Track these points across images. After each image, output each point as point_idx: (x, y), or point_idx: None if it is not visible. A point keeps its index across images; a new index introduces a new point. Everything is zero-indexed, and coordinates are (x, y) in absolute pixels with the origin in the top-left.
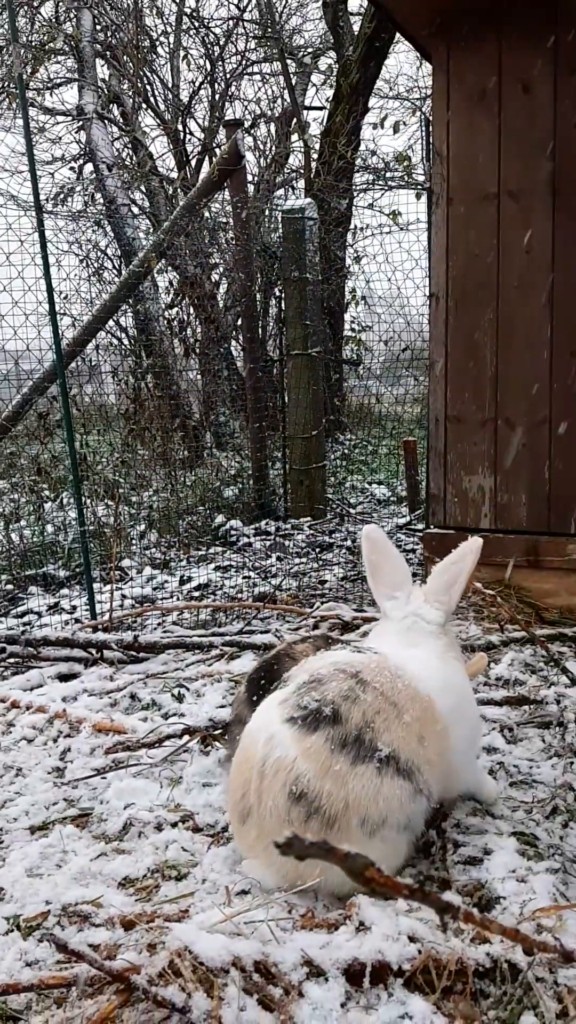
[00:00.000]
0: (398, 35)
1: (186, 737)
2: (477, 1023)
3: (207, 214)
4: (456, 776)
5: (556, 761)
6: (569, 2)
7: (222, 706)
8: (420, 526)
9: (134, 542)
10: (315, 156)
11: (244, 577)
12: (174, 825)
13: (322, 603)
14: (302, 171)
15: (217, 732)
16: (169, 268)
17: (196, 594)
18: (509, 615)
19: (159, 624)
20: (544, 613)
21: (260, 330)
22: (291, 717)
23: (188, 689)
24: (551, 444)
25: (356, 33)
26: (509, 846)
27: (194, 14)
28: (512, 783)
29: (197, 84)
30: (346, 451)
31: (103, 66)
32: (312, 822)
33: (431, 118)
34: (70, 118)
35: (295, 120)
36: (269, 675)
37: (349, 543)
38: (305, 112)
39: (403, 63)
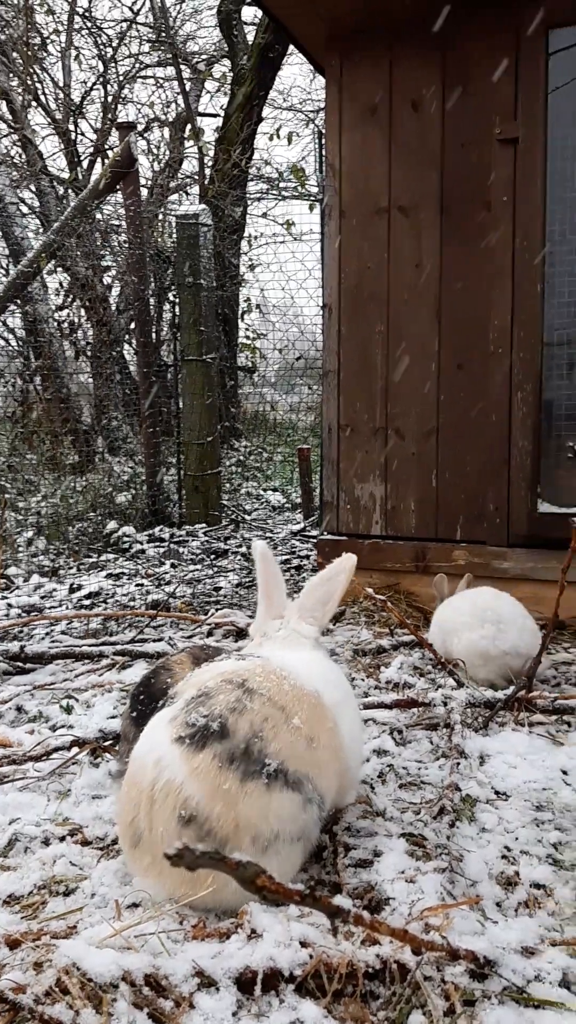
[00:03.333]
0: (292, 47)
1: (75, 749)
2: None
3: (99, 216)
4: (352, 774)
5: (443, 762)
6: (453, 24)
7: (113, 717)
8: (314, 532)
9: (21, 549)
10: (209, 163)
11: (137, 585)
12: (62, 839)
13: (217, 610)
14: (196, 177)
15: (107, 743)
16: (59, 269)
17: (87, 602)
18: (399, 619)
19: (47, 634)
20: (432, 617)
21: (154, 335)
22: (179, 736)
23: (77, 700)
24: (439, 453)
25: (251, 42)
26: (398, 847)
27: (86, 14)
28: (401, 785)
29: (89, 85)
30: (241, 458)
31: None
32: (204, 845)
33: (324, 131)
34: None
35: (189, 125)
36: (148, 689)
37: (244, 550)
38: (199, 118)
39: (297, 75)
